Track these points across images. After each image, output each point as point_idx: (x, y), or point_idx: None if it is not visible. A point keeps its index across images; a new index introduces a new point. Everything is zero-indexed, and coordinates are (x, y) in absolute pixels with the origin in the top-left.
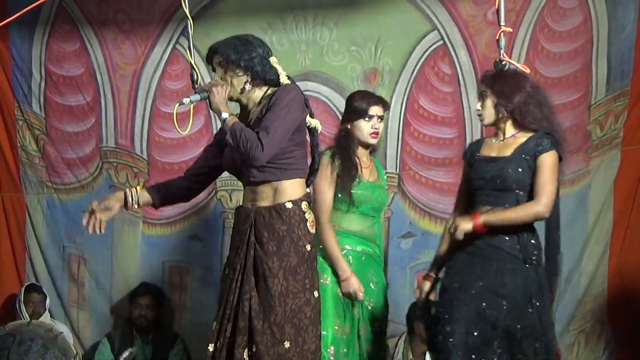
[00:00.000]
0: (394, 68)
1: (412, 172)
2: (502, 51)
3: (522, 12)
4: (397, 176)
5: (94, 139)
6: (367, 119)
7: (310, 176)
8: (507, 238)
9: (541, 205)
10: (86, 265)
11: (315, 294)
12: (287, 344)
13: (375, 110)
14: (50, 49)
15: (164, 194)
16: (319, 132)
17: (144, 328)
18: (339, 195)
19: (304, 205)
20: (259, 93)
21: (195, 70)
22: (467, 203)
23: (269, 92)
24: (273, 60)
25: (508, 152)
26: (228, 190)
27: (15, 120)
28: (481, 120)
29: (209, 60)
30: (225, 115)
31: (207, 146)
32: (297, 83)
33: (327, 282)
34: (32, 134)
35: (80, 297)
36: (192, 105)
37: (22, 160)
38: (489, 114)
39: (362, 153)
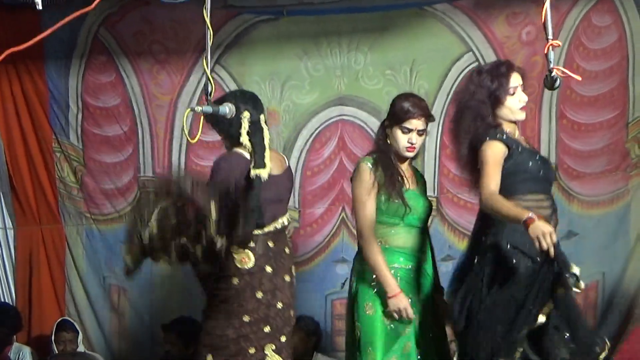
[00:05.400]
0: (429, 90)
1: (450, 194)
2: (551, 64)
3: (556, 30)
4: (435, 199)
5: (132, 169)
6: (404, 131)
7: None
8: None
9: None
10: (126, 296)
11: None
12: None
13: (415, 124)
14: (86, 81)
15: None
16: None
17: None
18: (383, 207)
19: None
20: None
21: (210, 81)
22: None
23: None
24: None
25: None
26: None
27: (53, 152)
28: (522, 116)
29: None
30: None
31: None
32: (333, 108)
33: (371, 312)
34: (69, 165)
35: (121, 327)
36: (202, 116)
37: (61, 192)
38: None
39: (401, 161)
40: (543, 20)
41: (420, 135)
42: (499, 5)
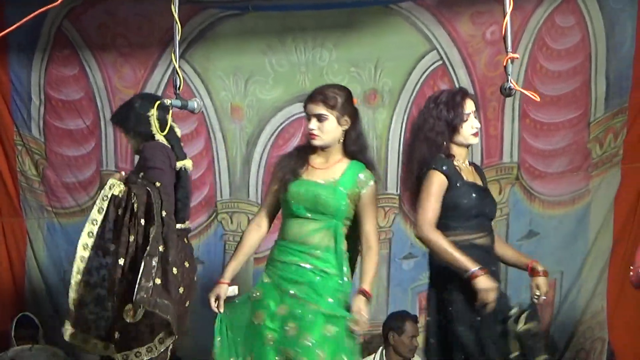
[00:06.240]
0: (393, 88)
1: None
2: (509, 77)
3: (520, 31)
4: (397, 197)
5: (94, 162)
6: (307, 118)
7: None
8: None
9: None
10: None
11: None
12: None
13: (310, 108)
14: (49, 74)
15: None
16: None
17: None
18: (281, 199)
19: None
20: None
21: (179, 75)
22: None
23: None
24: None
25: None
26: (229, 213)
27: (15, 145)
28: (474, 141)
29: None
30: None
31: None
32: (297, 104)
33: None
34: (31, 158)
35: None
36: (171, 109)
37: (22, 185)
38: None
39: (317, 154)
40: (503, 34)
41: (321, 121)
42: (463, 4)
